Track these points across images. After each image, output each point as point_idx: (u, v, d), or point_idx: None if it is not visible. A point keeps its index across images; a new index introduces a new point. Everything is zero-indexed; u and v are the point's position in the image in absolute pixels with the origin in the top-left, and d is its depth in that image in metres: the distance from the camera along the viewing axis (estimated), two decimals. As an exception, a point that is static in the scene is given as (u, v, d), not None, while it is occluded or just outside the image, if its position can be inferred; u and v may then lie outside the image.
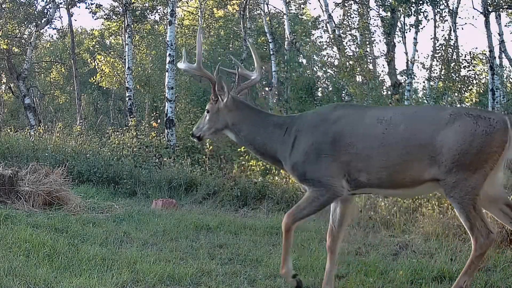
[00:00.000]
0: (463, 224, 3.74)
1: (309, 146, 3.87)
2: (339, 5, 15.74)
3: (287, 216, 3.91)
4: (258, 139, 4.15)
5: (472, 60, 13.88)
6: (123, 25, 17.28)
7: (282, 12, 18.72)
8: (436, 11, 15.20)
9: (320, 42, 18.23)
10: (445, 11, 14.83)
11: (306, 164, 3.87)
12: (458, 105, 12.88)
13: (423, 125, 3.71)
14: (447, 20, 14.97)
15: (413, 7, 13.86)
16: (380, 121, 3.76)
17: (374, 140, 3.73)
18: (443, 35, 15.05)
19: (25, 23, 16.99)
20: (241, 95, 4.43)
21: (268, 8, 19.28)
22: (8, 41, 16.27)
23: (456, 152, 3.57)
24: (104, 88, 19.90)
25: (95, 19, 26.65)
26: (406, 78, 14.69)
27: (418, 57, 16.30)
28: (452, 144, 3.58)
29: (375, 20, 14.79)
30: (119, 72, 18.30)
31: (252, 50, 4.87)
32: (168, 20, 12.80)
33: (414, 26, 14.72)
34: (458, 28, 14.69)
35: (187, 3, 23.63)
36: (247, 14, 19.85)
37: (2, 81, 20.16)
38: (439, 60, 14.33)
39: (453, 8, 14.71)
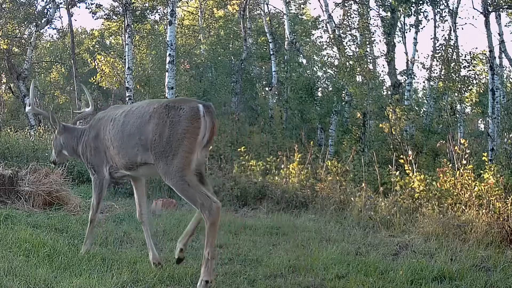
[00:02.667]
0: (189, 203, 4.06)
1: (86, 141, 4.90)
2: (339, 5, 15.76)
3: (91, 209, 4.89)
4: (74, 147, 5.17)
5: (472, 60, 13.87)
6: (123, 25, 17.28)
7: (282, 12, 18.74)
8: (436, 11, 15.20)
9: (320, 42, 18.24)
10: (445, 11, 14.85)
11: (87, 154, 4.89)
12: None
13: (134, 119, 4.32)
14: (447, 20, 14.98)
15: (413, 7, 13.87)
16: (113, 120, 4.53)
17: (107, 133, 4.54)
18: (443, 35, 15.07)
19: (25, 23, 17.01)
20: (80, 122, 5.70)
21: (268, 8, 19.32)
22: (8, 41, 16.28)
23: (153, 141, 4.08)
24: (104, 88, 19.89)
25: (95, 19, 26.73)
26: (406, 78, 14.71)
27: (418, 57, 16.29)
28: (151, 134, 4.11)
29: (375, 20, 14.81)
30: (119, 72, 18.29)
31: (86, 91, 6.22)
32: (168, 20, 12.80)
33: (414, 26, 14.74)
34: (458, 28, 14.70)
35: (187, 3, 23.66)
36: (247, 14, 19.85)
37: (2, 81, 20.16)
38: (439, 60, 14.32)
39: (453, 8, 14.71)
